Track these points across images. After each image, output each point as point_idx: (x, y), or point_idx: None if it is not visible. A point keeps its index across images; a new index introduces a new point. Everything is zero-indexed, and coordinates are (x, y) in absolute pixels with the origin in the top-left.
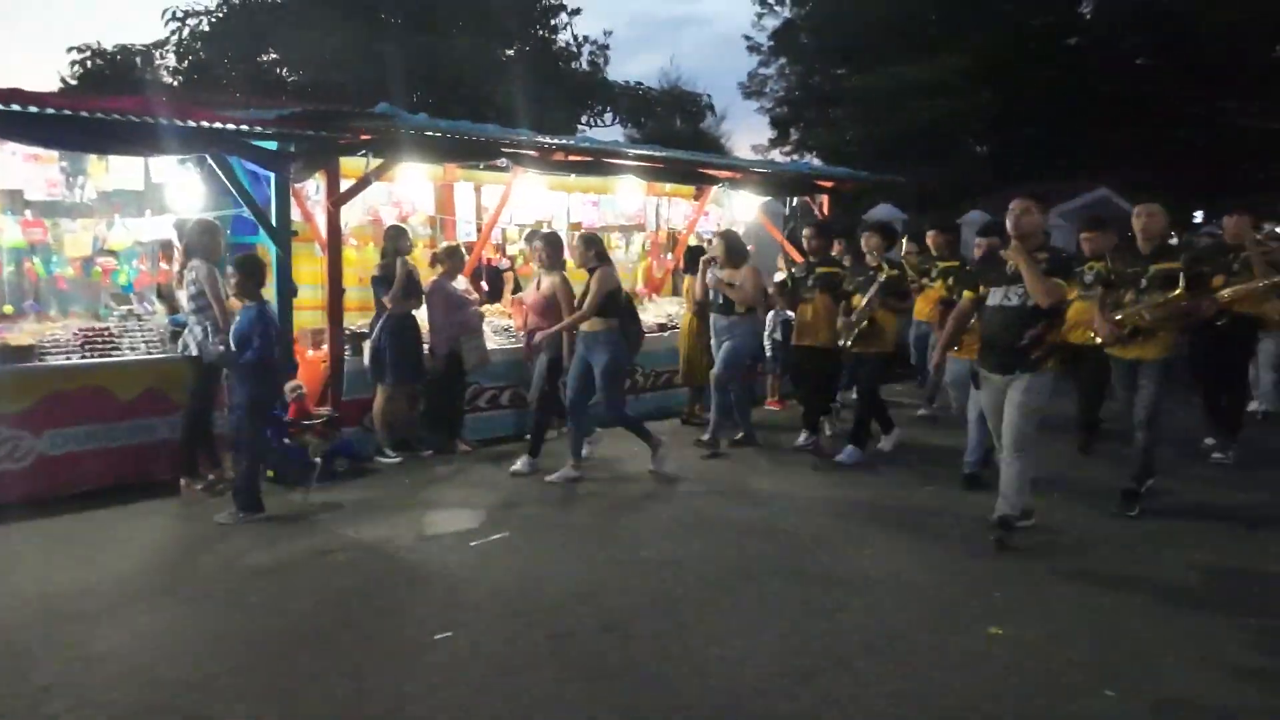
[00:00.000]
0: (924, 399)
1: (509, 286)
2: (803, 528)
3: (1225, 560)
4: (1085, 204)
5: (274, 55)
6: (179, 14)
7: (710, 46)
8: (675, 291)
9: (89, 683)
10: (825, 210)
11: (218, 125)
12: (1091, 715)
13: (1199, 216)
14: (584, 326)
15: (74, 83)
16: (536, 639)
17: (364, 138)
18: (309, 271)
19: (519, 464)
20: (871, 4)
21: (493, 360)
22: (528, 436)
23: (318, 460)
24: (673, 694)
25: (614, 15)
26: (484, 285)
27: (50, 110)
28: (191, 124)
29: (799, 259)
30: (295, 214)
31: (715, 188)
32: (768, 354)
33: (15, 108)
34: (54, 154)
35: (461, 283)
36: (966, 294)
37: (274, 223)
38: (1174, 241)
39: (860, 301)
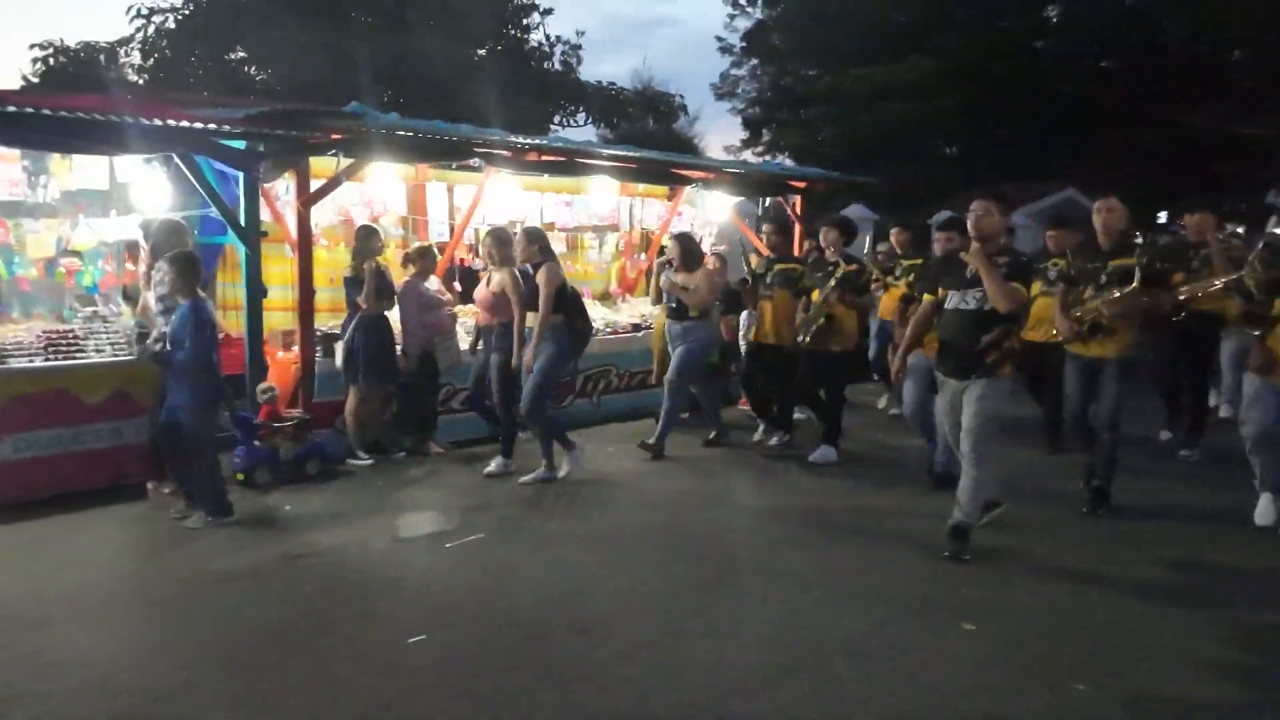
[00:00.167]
0: (896, 398)
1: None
2: (775, 528)
3: (1192, 556)
4: (1052, 204)
5: (242, 54)
6: (144, 11)
7: (682, 47)
8: (649, 292)
9: (52, 692)
10: (798, 210)
11: (185, 124)
12: (1064, 709)
13: (1163, 217)
14: (529, 321)
15: (36, 80)
16: (513, 641)
17: (335, 137)
18: (279, 272)
19: (493, 465)
20: (842, 6)
21: (466, 361)
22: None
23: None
24: (651, 695)
25: (586, 15)
26: (457, 286)
27: (12, 108)
28: (158, 122)
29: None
30: (265, 214)
31: (688, 188)
32: (743, 353)
33: None
34: (16, 153)
35: (434, 283)
36: (927, 297)
37: (243, 223)
38: (1139, 240)
39: (819, 297)
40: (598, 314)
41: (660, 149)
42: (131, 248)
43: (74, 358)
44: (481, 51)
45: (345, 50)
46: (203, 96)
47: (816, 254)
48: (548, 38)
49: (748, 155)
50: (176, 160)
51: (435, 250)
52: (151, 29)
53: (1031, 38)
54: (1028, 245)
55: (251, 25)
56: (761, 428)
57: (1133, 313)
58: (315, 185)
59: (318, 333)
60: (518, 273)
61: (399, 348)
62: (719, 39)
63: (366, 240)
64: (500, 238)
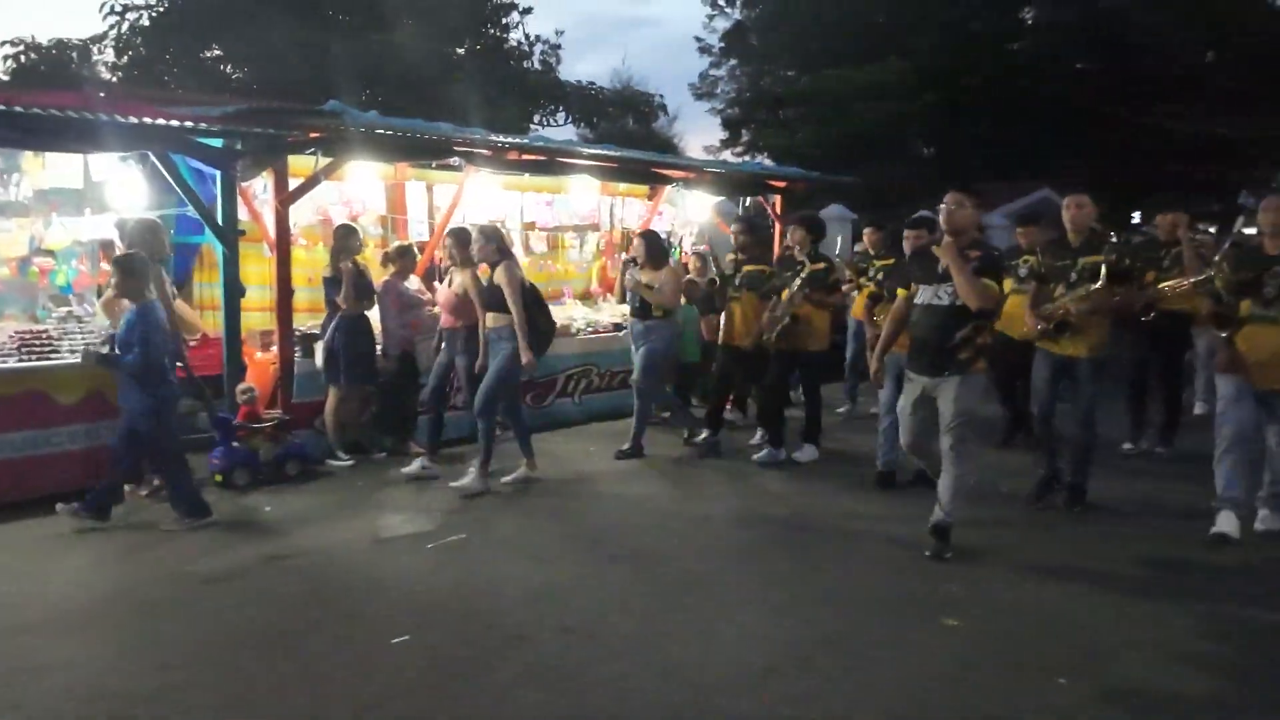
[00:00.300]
0: (852, 400)
1: None
2: (757, 527)
3: (1169, 552)
4: (1028, 204)
5: (218, 51)
6: (118, 8)
7: (661, 47)
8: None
9: (33, 697)
10: (779, 210)
11: (161, 121)
12: (1045, 703)
13: (1136, 217)
14: (488, 321)
15: (6, 78)
16: (496, 641)
17: (313, 135)
18: (257, 272)
19: (472, 467)
20: (820, 7)
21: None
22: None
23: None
24: (634, 694)
25: (565, 15)
26: (437, 285)
27: None
28: (134, 120)
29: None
30: (242, 213)
31: (669, 188)
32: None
33: None
34: None
35: (414, 283)
36: (900, 293)
37: (220, 222)
38: (1114, 239)
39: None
40: (579, 313)
41: (640, 149)
42: (106, 247)
43: (48, 358)
44: (460, 50)
45: (323, 48)
46: (179, 94)
47: (786, 253)
48: (527, 37)
49: (727, 155)
50: (152, 158)
51: (415, 249)
52: (126, 26)
53: (1007, 40)
54: (1003, 245)
55: (228, 22)
56: (759, 433)
57: (1102, 310)
58: (293, 184)
59: (296, 333)
60: (478, 274)
61: (379, 348)
62: (698, 39)
63: (345, 239)
64: (461, 238)
